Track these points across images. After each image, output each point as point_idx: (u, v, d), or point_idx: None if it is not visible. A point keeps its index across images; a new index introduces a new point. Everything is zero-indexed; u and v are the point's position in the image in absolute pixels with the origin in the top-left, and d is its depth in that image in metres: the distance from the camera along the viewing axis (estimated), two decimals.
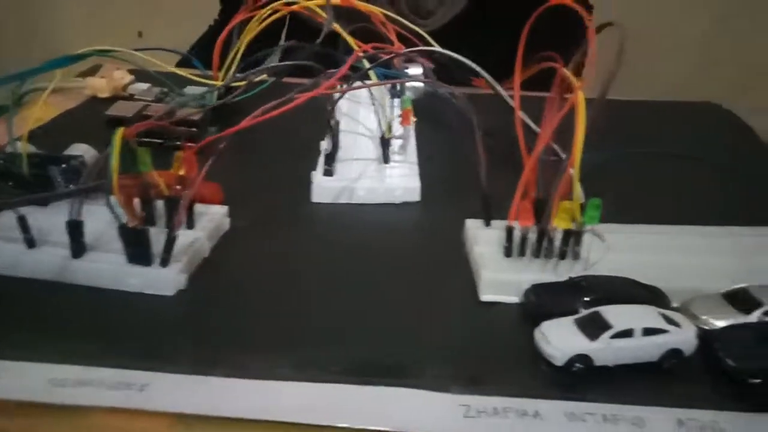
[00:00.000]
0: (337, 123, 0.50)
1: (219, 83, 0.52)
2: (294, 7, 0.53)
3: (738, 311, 0.32)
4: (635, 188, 0.48)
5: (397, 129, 0.51)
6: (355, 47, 0.47)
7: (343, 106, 0.59)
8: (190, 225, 0.37)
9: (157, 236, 0.33)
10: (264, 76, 0.49)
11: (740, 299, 0.32)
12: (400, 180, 0.46)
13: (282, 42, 0.67)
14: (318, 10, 0.49)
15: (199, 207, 0.39)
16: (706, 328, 0.32)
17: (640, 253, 0.37)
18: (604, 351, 0.29)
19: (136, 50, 0.44)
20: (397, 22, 0.59)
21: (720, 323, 0.32)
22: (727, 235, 0.39)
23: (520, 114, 0.38)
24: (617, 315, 0.29)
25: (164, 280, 0.33)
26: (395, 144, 0.51)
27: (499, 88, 0.44)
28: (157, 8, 1.38)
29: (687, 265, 0.36)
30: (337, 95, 0.45)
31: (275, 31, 0.57)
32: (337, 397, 0.27)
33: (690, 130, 0.62)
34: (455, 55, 0.43)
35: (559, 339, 0.29)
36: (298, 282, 0.36)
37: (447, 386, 0.28)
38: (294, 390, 0.27)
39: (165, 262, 0.33)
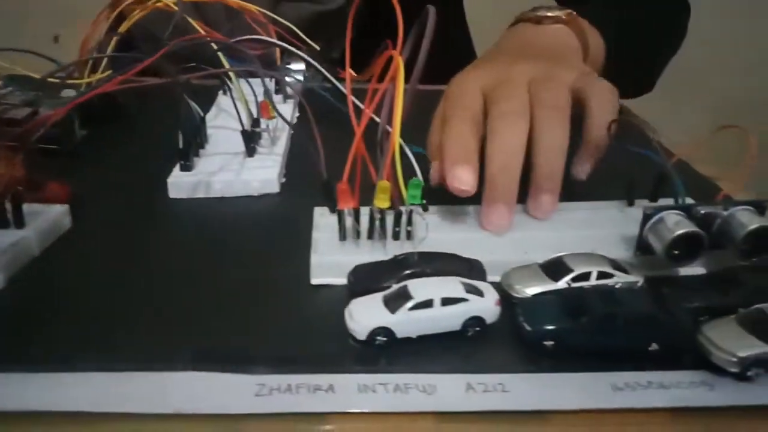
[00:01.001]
0: (202, 117, 0.50)
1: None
2: (159, 4, 0.53)
3: (549, 279, 0.33)
4: None
5: (275, 122, 0.51)
6: (202, 32, 0.47)
7: (222, 101, 0.60)
8: (19, 224, 0.36)
9: None
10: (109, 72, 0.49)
11: (553, 268, 0.34)
12: (257, 172, 0.46)
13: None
14: (172, 4, 0.48)
15: (36, 206, 0.38)
16: (519, 296, 0.33)
17: (469, 231, 0.38)
18: (404, 323, 0.29)
19: None
20: (274, 20, 0.60)
21: (531, 291, 0.33)
22: (557, 210, 0.40)
23: (352, 98, 0.38)
24: (420, 287, 0.30)
25: None
26: (264, 137, 0.51)
27: (330, 77, 0.44)
28: (74, 12, 1.35)
29: (512, 240, 0.37)
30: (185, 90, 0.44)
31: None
32: (129, 385, 0.27)
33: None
34: (286, 46, 0.43)
35: (362, 314, 0.30)
36: (133, 276, 0.36)
37: (251, 367, 0.28)
38: (88, 380, 0.27)
39: None
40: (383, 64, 0.43)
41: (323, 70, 0.45)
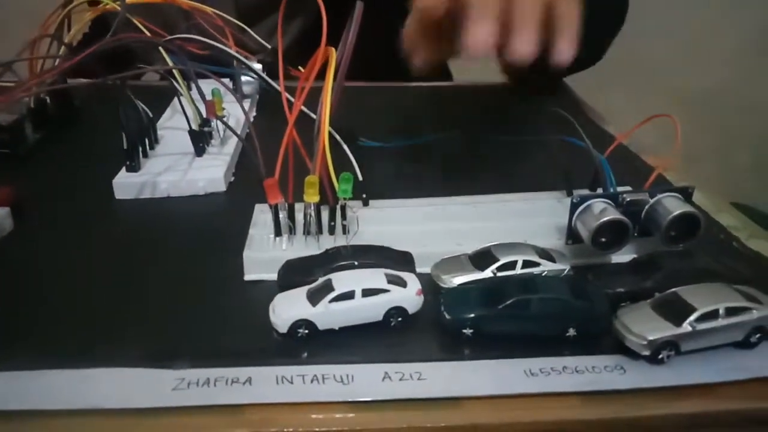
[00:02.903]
0: (150, 117, 0.50)
1: None
2: (108, 6, 0.53)
3: (475, 269, 0.33)
4: (449, 166, 0.50)
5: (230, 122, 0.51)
6: (148, 34, 0.48)
7: (176, 102, 0.60)
8: None
9: None
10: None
11: (481, 258, 0.34)
12: (203, 171, 0.46)
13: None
14: (114, 5, 0.49)
15: None
16: (446, 286, 0.33)
17: (404, 224, 0.38)
18: (324, 315, 0.30)
19: None
20: (228, 21, 0.60)
21: (457, 281, 0.33)
22: (496, 201, 0.41)
23: (287, 95, 0.38)
24: (343, 280, 0.30)
25: None
26: (215, 136, 0.52)
27: (266, 77, 0.45)
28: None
29: (446, 231, 0.38)
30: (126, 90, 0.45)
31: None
32: (44, 382, 0.27)
33: (524, 106, 0.65)
34: (219, 45, 0.44)
35: (283, 308, 0.30)
36: (65, 276, 0.36)
37: (171, 362, 0.29)
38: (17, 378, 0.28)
39: None
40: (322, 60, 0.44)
41: (259, 72, 0.45)
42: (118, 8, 0.50)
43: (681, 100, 1.10)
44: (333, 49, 0.38)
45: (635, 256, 0.36)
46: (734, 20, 1.24)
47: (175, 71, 0.49)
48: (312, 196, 0.35)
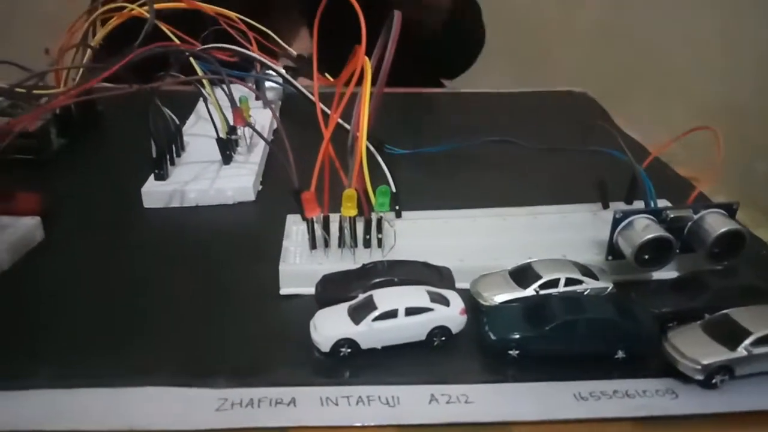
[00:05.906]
0: (177, 125, 0.50)
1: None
2: (134, 12, 0.53)
3: (517, 287, 0.33)
4: (474, 174, 0.50)
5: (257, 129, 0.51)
6: (175, 39, 0.47)
7: (200, 108, 0.59)
8: None
9: None
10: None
11: (522, 275, 0.33)
12: (231, 180, 0.46)
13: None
14: (146, 12, 0.48)
15: (5, 219, 0.38)
16: (487, 304, 0.32)
17: (440, 238, 0.38)
18: (367, 333, 0.29)
19: None
20: (251, 25, 0.59)
21: (499, 299, 0.32)
22: (530, 214, 0.40)
23: (321, 106, 0.38)
24: (385, 297, 0.30)
25: None
26: (241, 144, 0.51)
27: (297, 84, 0.44)
28: (65, 24, 1.35)
29: (483, 246, 0.37)
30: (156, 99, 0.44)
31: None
32: (81, 402, 0.27)
33: (551, 115, 0.64)
34: (252, 54, 0.43)
35: (326, 325, 0.29)
36: (98, 290, 0.35)
37: (212, 381, 0.28)
38: (38, 398, 0.27)
39: None
40: (356, 69, 0.43)
41: (289, 77, 0.44)
42: (145, 14, 0.49)
43: (704, 110, 1.09)
44: (367, 58, 0.37)
45: (676, 272, 0.36)
46: (758, 30, 1.23)
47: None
48: (350, 210, 0.34)
